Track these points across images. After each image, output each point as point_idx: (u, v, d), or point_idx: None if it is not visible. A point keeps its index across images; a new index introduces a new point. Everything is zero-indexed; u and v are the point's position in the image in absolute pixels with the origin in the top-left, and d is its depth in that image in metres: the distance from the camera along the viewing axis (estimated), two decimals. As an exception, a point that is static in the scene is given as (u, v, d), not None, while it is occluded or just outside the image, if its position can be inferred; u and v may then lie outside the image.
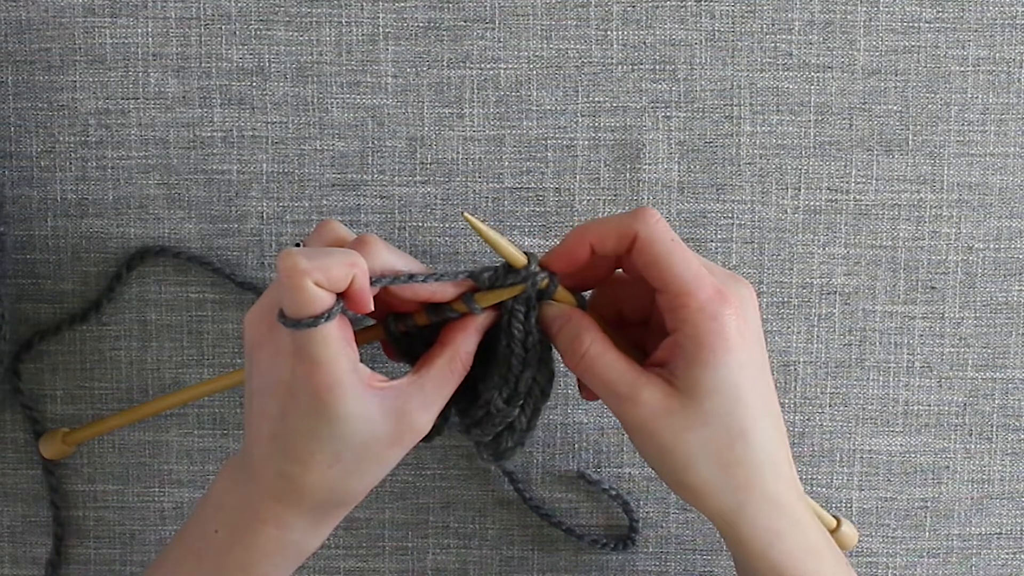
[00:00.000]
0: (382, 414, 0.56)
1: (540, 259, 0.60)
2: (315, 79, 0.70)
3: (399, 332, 0.61)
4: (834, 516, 0.66)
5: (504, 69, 0.70)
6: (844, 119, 0.70)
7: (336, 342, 0.55)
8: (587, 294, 0.62)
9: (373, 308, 0.56)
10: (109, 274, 0.71)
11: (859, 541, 0.72)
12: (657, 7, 0.69)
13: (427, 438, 0.62)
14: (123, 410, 0.69)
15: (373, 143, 0.70)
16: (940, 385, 0.72)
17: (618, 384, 0.57)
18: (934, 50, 0.70)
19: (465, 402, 0.61)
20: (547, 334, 0.60)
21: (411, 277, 0.57)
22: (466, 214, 0.57)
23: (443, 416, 0.61)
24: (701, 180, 0.70)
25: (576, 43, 0.70)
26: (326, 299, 0.54)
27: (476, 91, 0.70)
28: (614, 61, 0.70)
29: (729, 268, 0.71)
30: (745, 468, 0.57)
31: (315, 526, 0.58)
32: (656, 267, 0.56)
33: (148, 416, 0.68)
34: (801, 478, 0.71)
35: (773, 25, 0.70)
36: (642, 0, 0.69)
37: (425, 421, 0.58)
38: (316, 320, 0.54)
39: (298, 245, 0.63)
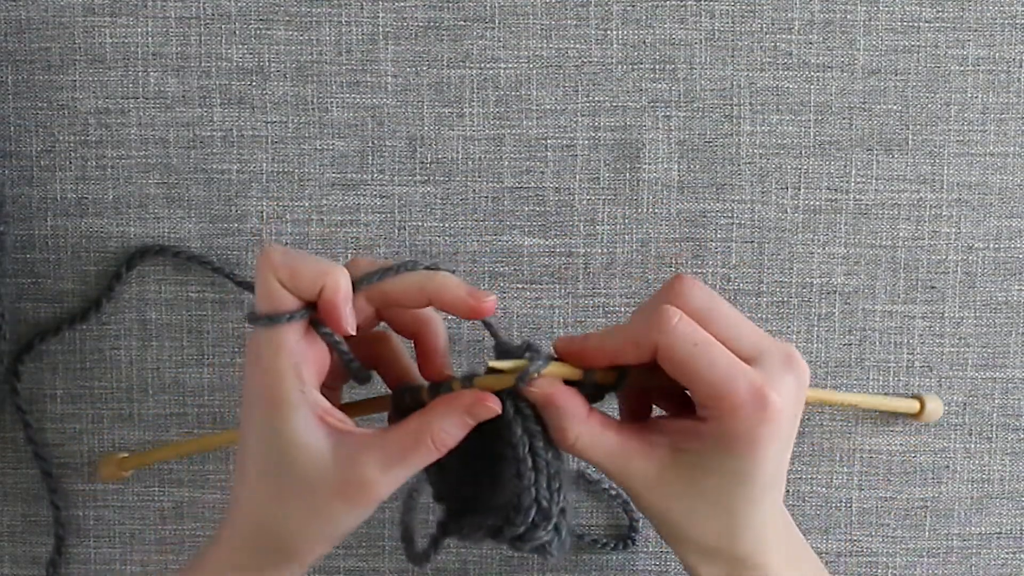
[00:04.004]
0: (332, 455, 0.53)
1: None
2: (315, 79, 0.70)
3: (408, 407, 0.57)
4: (915, 396, 0.71)
5: (504, 69, 0.70)
6: (844, 119, 0.70)
7: (289, 354, 0.52)
8: None
9: (353, 331, 0.53)
10: (109, 273, 0.71)
11: (858, 541, 0.72)
12: (657, 7, 0.69)
13: (418, 561, 0.58)
14: (177, 441, 0.71)
15: (373, 143, 0.70)
16: (940, 385, 0.72)
17: (607, 463, 0.55)
18: (934, 50, 0.70)
19: (501, 522, 0.56)
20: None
21: (383, 272, 0.54)
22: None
23: (435, 542, 0.57)
24: (701, 180, 0.70)
25: (576, 43, 0.70)
26: (287, 301, 0.52)
27: (476, 91, 0.70)
28: (614, 61, 0.70)
29: (729, 268, 0.71)
30: (733, 543, 0.56)
31: (256, 571, 0.55)
32: (682, 373, 0.53)
33: (199, 452, 0.71)
34: (801, 477, 0.72)
35: (773, 25, 0.70)
36: (642, 0, 0.69)
37: (377, 480, 0.53)
38: (271, 319, 0.52)
39: None
